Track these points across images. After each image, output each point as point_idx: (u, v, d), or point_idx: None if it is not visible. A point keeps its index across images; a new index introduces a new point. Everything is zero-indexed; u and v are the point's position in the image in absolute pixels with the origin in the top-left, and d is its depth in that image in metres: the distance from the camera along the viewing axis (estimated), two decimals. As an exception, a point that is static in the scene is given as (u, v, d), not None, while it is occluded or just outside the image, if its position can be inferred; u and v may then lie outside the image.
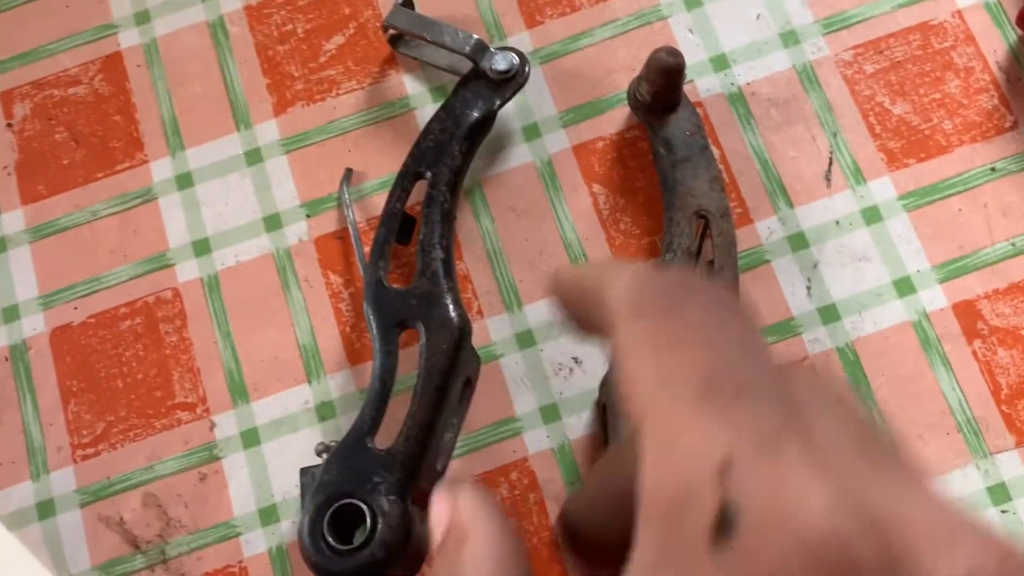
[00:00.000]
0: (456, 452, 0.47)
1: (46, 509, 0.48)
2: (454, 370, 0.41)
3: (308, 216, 0.51)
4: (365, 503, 0.37)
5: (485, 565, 0.21)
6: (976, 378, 0.46)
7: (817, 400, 0.18)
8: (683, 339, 0.17)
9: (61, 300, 0.51)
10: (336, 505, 0.37)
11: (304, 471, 0.42)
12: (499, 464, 0.47)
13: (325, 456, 0.40)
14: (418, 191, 0.46)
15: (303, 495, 0.41)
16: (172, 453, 0.48)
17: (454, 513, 0.22)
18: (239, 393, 0.49)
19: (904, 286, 0.47)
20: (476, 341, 0.48)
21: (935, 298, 0.47)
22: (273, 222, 0.51)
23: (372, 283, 0.43)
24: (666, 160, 0.46)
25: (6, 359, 0.50)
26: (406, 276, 0.49)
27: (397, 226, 0.45)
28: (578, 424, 0.47)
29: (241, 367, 0.49)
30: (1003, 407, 0.46)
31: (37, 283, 0.51)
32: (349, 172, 0.50)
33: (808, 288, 0.48)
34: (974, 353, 0.46)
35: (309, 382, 0.48)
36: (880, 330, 0.47)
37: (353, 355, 0.48)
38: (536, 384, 0.48)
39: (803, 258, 0.48)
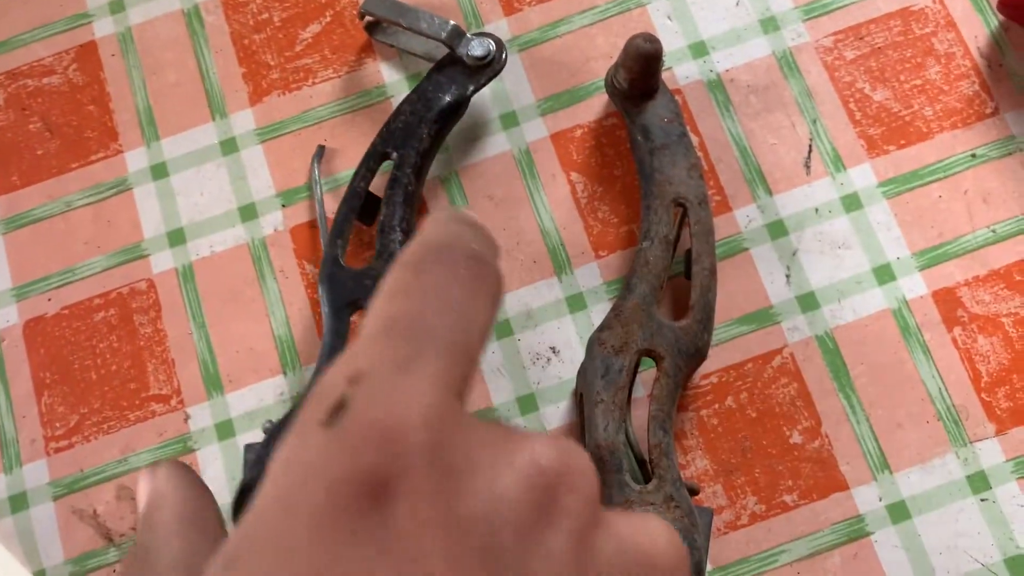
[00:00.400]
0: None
1: (19, 502, 0.47)
2: None
3: (284, 206, 0.50)
4: None
5: (173, 523, 0.24)
6: (956, 366, 0.46)
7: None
8: (408, 290, 0.21)
9: (35, 291, 0.50)
10: None
11: (248, 447, 0.42)
12: (475, 454, 0.46)
13: (269, 432, 0.40)
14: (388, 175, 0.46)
15: (243, 470, 0.41)
16: (146, 445, 0.48)
17: (152, 483, 0.25)
18: (214, 385, 0.48)
19: (884, 273, 0.47)
20: (452, 331, 0.47)
21: (915, 285, 0.47)
22: (248, 212, 0.50)
23: (328, 261, 0.43)
24: (643, 148, 0.46)
25: (-21, 351, 0.49)
26: (369, 259, 0.48)
27: (359, 205, 0.45)
28: (555, 414, 0.47)
29: (216, 358, 0.48)
30: (983, 395, 0.45)
31: (11, 274, 0.50)
32: (322, 149, 0.50)
33: (787, 276, 0.47)
34: (954, 340, 0.46)
35: (284, 373, 0.48)
36: (860, 318, 0.47)
37: (329, 345, 0.48)
38: (513, 374, 0.47)
39: (782, 246, 0.48)
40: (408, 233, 0.44)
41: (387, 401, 0.18)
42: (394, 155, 0.45)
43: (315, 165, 0.49)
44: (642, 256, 0.44)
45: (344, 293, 0.42)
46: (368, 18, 0.50)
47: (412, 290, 0.21)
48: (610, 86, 0.47)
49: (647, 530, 0.21)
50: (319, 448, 0.18)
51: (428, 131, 0.45)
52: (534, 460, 0.19)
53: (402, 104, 0.46)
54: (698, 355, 0.43)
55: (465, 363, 0.20)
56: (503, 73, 0.49)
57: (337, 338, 0.41)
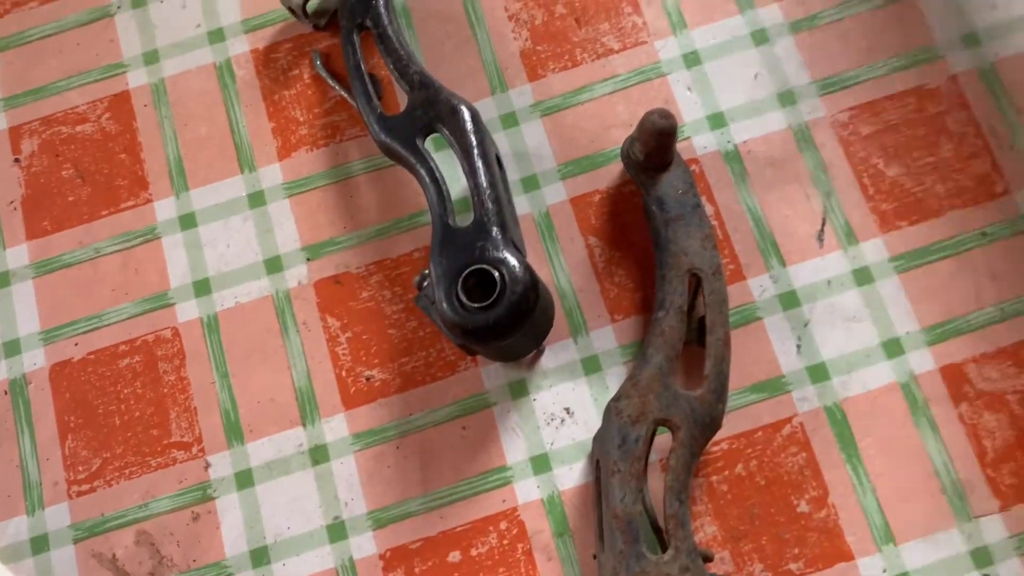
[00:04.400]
0: (445, 500, 0.47)
1: (40, 544, 0.48)
2: (483, 141, 0.46)
3: (309, 260, 0.51)
4: (485, 264, 0.43)
5: None
6: (962, 441, 0.47)
7: None
8: None
9: (62, 336, 0.51)
10: (465, 273, 0.43)
11: (418, 298, 0.46)
12: (489, 513, 0.47)
13: (426, 278, 0.45)
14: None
15: (427, 304, 0.45)
16: (166, 492, 0.49)
17: None
18: (235, 434, 0.49)
19: (893, 347, 0.48)
20: (469, 389, 0.49)
21: (923, 360, 0.48)
22: (274, 264, 0.51)
23: (375, 118, 0.48)
24: (659, 218, 0.47)
25: (5, 393, 0.51)
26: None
27: (364, 75, 0.49)
28: (568, 475, 0.48)
29: (237, 408, 0.50)
30: (988, 471, 0.46)
31: (39, 318, 0.52)
32: (318, 52, 0.54)
33: (799, 346, 0.48)
34: (960, 416, 0.47)
35: (304, 425, 0.49)
36: (868, 391, 0.48)
37: (348, 399, 0.49)
38: (527, 434, 0.48)
39: (794, 316, 0.49)
40: (415, 58, 0.49)
41: None
42: (367, 21, 0.50)
43: (320, 64, 0.54)
44: (658, 326, 0.45)
45: (407, 130, 0.47)
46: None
47: None
48: (626, 157, 0.49)
49: None
50: None
51: None
52: None
53: None
54: (713, 425, 0.44)
55: None
56: (526, 136, 0.50)
57: (426, 161, 0.46)
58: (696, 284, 0.46)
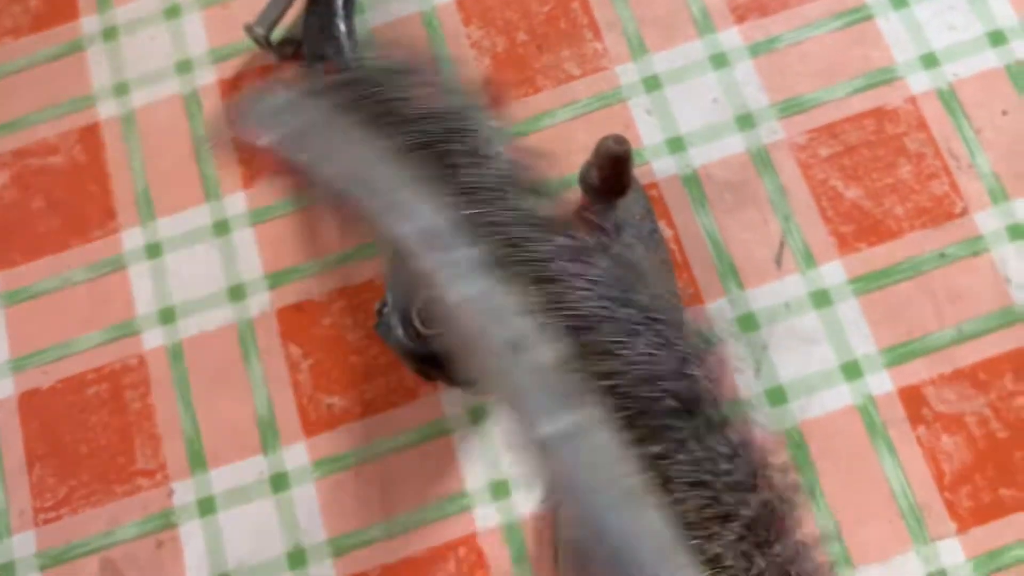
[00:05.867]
0: (404, 527, 0.48)
1: (6, 572, 0.49)
2: None
3: (271, 287, 0.52)
4: None
5: None
6: (920, 464, 0.47)
7: None
8: None
9: (31, 365, 0.52)
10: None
11: (378, 324, 0.45)
12: (447, 540, 0.47)
13: (387, 303, 0.45)
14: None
15: (386, 330, 0.45)
16: (131, 519, 0.49)
17: None
18: (198, 461, 0.50)
19: (851, 370, 0.48)
20: (429, 416, 0.49)
21: (882, 382, 0.48)
22: (237, 292, 0.52)
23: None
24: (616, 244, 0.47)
25: (-25, 422, 0.51)
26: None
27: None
28: (528, 502, 0.48)
29: (201, 435, 0.50)
30: (945, 493, 0.46)
31: (9, 348, 0.52)
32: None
33: (757, 370, 0.49)
34: (918, 439, 0.47)
35: (265, 453, 0.49)
36: (827, 413, 0.48)
37: (309, 427, 0.49)
38: (488, 460, 0.48)
39: (752, 340, 0.49)
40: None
41: None
42: (328, 52, 0.51)
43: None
44: None
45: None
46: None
47: None
48: (583, 182, 0.49)
49: None
50: None
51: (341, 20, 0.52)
52: None
53: (307, 16, 0.53)
54: None
55: None
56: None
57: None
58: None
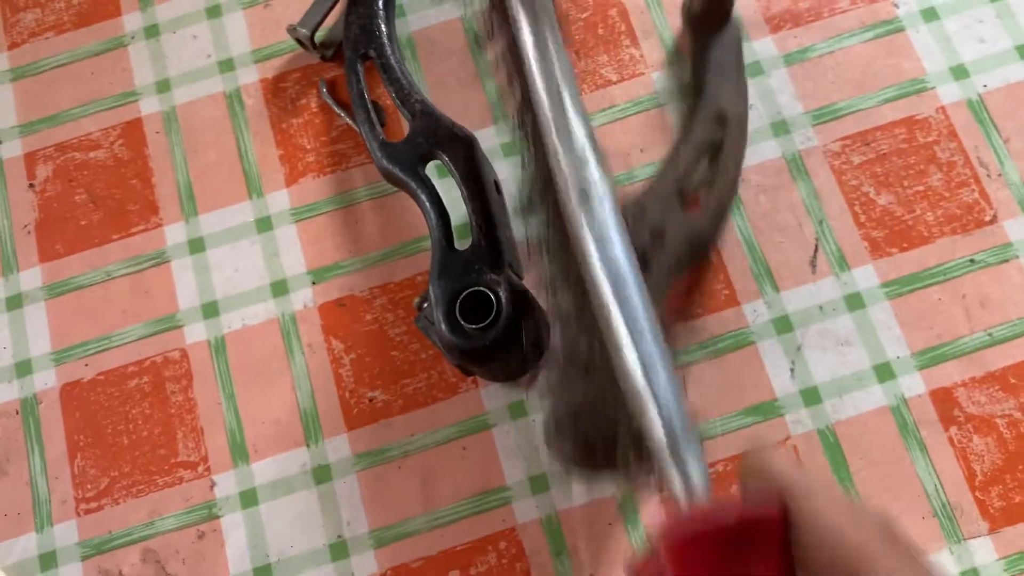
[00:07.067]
0: (445, 519, 0.48)
1: (48, 561, 0.49)
2: (481, 170, 0.47)
3: (314, 283, 0.53)
4: (482, 286, 0.44)
5: None
6: (952, 464, 0.48)
7: None
8: None
9: (73, 357, 0.53)
10: (463, 295, 0.44)
11: (418, 319, 0.48)
12: (487, 532, 0.48)
13: (426, 300, 0.46)
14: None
15: (426, 325, 0.47)
16: (172, 510, 0.50)
17: None
18: (240, 454, 0.50)
19: (884, 372, 0.49)
20: (469, 411, 0.50)
21: (914, 384, 0.49)
22: (280, 288, 0.53)
23: (378, 145, 0.49)
24: (700, 70, 0.51)
25: (17, 412, 0.52)
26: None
27: (367, 103, 0.51)
28: (566, 495, 0.49)
29: (243, 428, 0.51)
30: (977, 493, 0.47)
31: (51, 339, 0.53)
32: (324, 81, 0.56)
33: (792, 370, 0.50)
34: (950, 439, 0.48)
35: (307, 445, 0.50)
36: (860, 414, 0.49)
37: (351, 420, 0.50)
38: (527, 454, 0.49)
39: (787, 341, 0.50)
40: (412, 85, 0.51)
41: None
42: (371, 51, 0.52)
43: (326, 92, 0.55)
44: (673, 156, 0.48)
45: (409, 156, 0.48)
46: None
47: None
48: (686, 13, 0.53)
49: None
50: None
51: (383, 20, 0.53)
52: None
53: (348, 17, 0.53)
54: (702, 246, 0.48)
55: None
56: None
57: (426, 186, 0.48)
58: (722, 129, 0.49)
